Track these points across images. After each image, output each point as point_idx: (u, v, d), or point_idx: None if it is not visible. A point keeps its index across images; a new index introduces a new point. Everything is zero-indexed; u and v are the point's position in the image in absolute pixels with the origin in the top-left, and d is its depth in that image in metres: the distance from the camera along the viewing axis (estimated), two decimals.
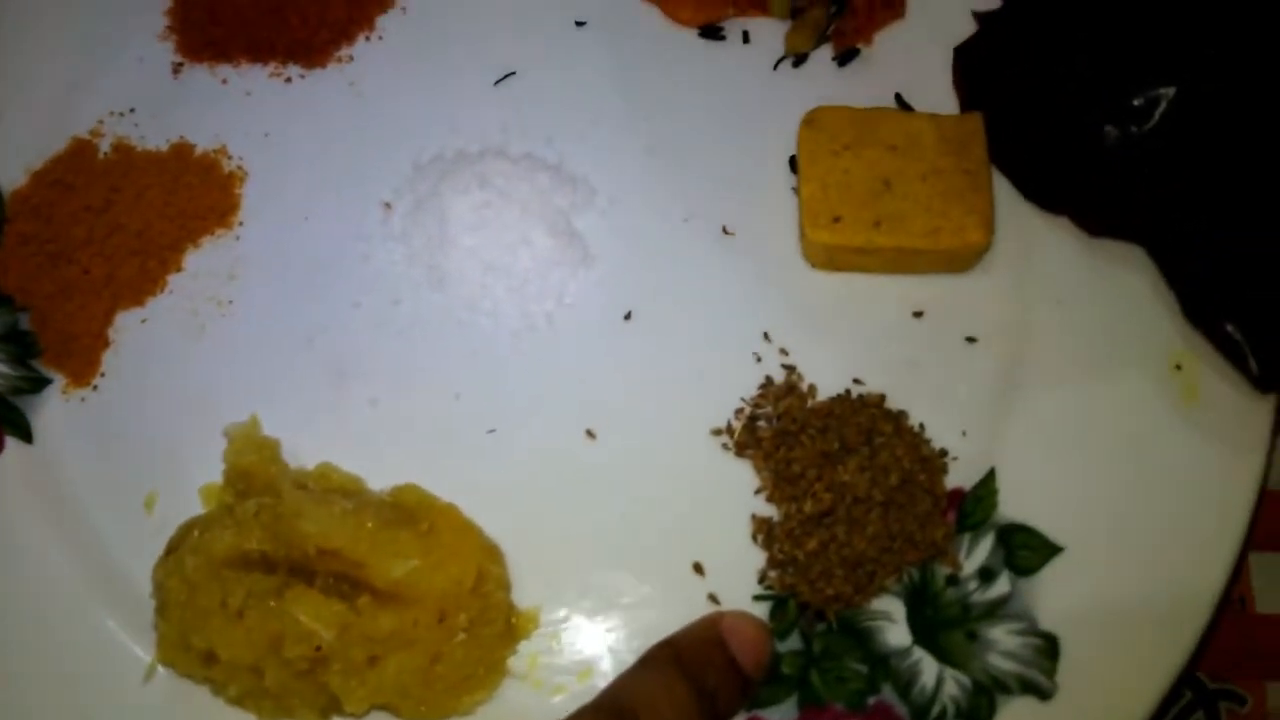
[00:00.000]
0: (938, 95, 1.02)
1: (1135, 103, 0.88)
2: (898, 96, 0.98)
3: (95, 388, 0.94)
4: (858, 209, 0.91)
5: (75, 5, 1.08)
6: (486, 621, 0.83)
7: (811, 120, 0.94)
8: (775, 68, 1.02)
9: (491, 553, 0.86)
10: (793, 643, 0.87)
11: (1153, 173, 0.86)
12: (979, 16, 0.99)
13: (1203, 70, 0.87)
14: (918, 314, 0.93)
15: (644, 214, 0.99)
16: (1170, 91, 0.87)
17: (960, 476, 0.90)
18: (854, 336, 0.95)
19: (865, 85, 1.02)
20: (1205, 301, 0.85)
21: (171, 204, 0.97)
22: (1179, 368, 0.88)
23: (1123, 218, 0.89)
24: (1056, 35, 0.93)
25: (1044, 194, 0.93)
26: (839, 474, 0.86)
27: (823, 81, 1.04)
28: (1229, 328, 0.84)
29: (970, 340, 0.92)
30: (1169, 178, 0.86)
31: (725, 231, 0.96)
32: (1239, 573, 0.90)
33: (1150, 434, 0.89)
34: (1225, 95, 0.86)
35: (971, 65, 0.98)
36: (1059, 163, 0.91)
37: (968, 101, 0.97)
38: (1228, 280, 0.84)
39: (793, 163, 0.96)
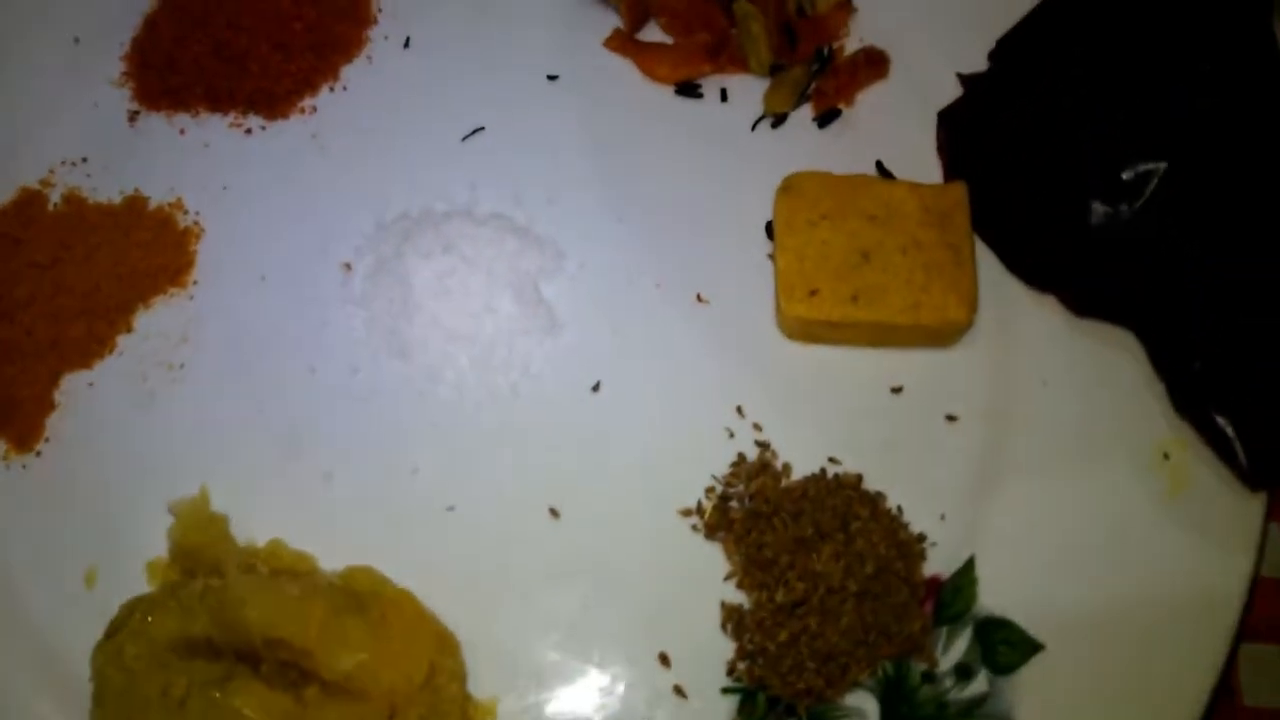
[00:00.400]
0: (921, 160, 0.99)
1: (1125, 177, 0.85)
2: (879, 164, 0.93)
3: (38, 454, 0.90)
4: (835, 282, 0.87)
5: (30, 47, 1.03)
6: (439, 715, 0.80)
7: (789, 187, 0.90)
8: (754, 128, 0.98)
9: (446, 642, 0.83)
10: None
11: (1141, 254, 0.82)
12: (964, 79, 0.94)
13: (1196, 146, 0.82)
14: (896, 390, 0.89)
15: (614, 279, 0.95)
16: (1161, 167, 0.83)
17: (939, 563, 0.87)
18: (830, 412, 0.92)
19: (846, 147, 0.99)
20: (1194, 391, 0.81)
21: (123, 262, 0.93)
22: (1166, 456, 0.85)
23: (1110, 300, 0.85)
24: (1044, 103, 0.90)
25: (1029, 269, 0.89)
26: (813, 562, 0.83)
27: (802, 142, 1.00)
28: (1219, 420, 0.79)
29: (950, 419, 0.89)
30: (1158, 260, 0.82)
31: (699, 299, 0.93)
32: (1228, 664, 0.85)
33: (1136, 526, 0.86)
34: (1218, 174, 0.81)
35: (956, 130, 0.94)
36: (1044, 238, 0.87)
37: (951, 167, 0.93)
38: (1219, 370, 0.80)
39: (769, 229, 0.91)
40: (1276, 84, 0.84)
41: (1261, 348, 0.81)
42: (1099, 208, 0.85)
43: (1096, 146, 0.87)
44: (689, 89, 0.99)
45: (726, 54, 0.98)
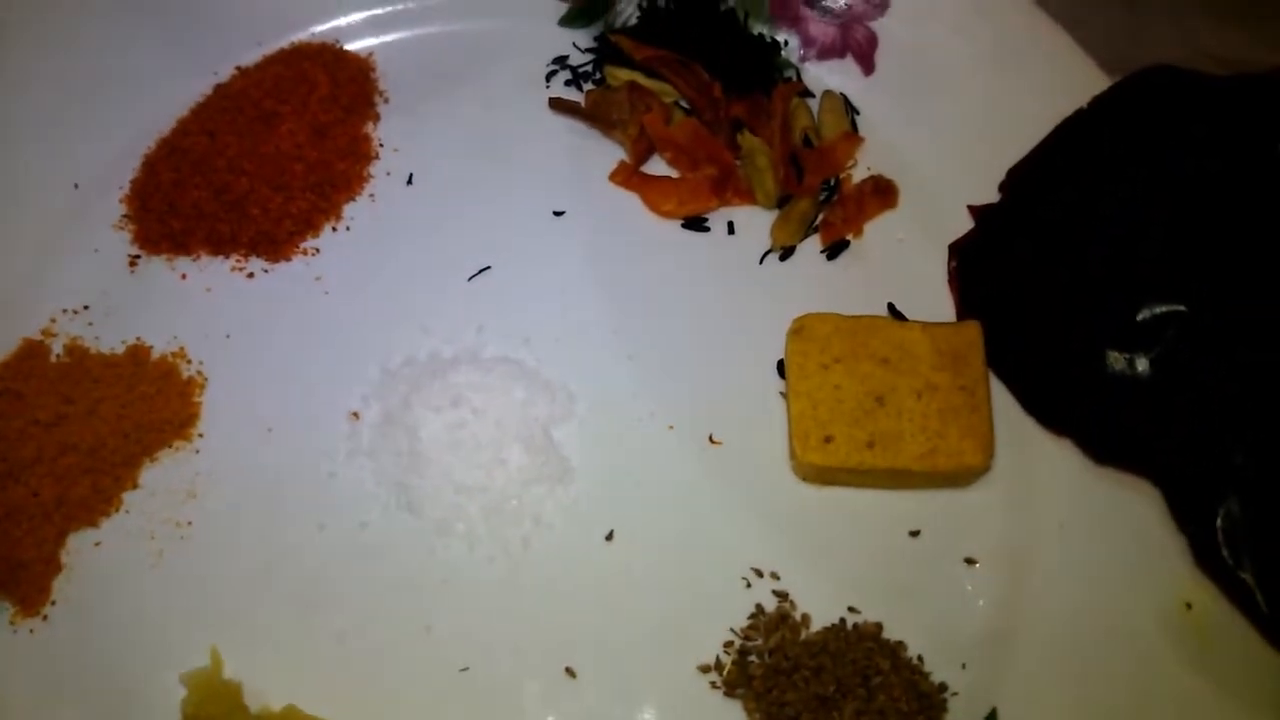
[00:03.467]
0: (932, 291, 0.99)
1: (1140, 318, 0.82)
2: (890, 306, 0.92)
3: (45, 617, 0.87)
4: (850, 428, 0.86)
5: (30, 193, 1.03)
6: None
7: (800, 329, 0.89)
8: (762, 261, 0.96)
9: None
10: None
11: (1159, 405, 0.81)
12: (974, 211, 0.93)
13: (1216, 290, 0.81)
14: (914, 533, 0.88)
15: (626, 421, 0.94)
16: (1178, 310, 0.81)
17: (961, 714, 0.86)
18: (848, 557, 0.91)
19: (856, 279, 0.98)
20: (1216, 545, 0.79)
21: (127, 416, 0.92)
22: (1189, 607, 0.83)
23: (1128, 449, 0.83)
24: (1055, 238, 0.89)
25: (1045, 411, 0.87)
26: None
27: (811, 275, 1.00)
28: (1242, 575, 0.77)
29: (969, 562, 0.87)
30: (1176, 412, 0.80)
31: (711, 441, 0.90)
32: None
33: (1159, 678, 0.85)
34: (1239, 321, 0.80)
35: (967, 264, 0.93)
36: (1058, 381, 0.85)
37: (963, 302, 0.92)
38: (1241, 525, 0.78)
39: (781, 367, 0.89)
40: None
41: None
42: (1115, 355, 0.83)
43: (1110, 286, 0.85)
44: (696, 223, 0.98)
45: (732, 186, 0.97)
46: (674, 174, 1.00)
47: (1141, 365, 0.84)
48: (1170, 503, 0.84)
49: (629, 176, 0.98)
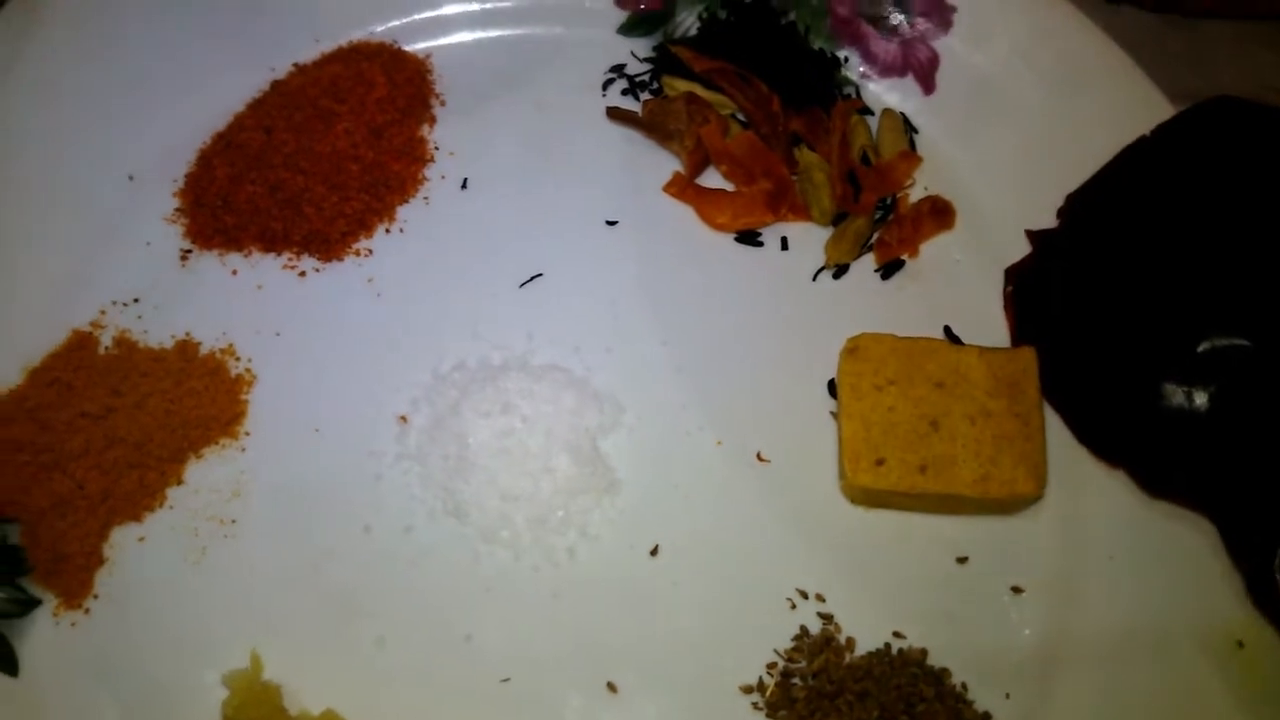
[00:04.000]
0: (987, 315, 0.99)
1: (1201, 351, 0.81)
2: (946, 329, 0.91)
3: (87, 611, 0.87)
4: (903, 451, 0.85)
5: (83, 181, 1.02)
6: None
7: (854, 349, 0.88)
8: (815, 278, 0.95)
9: None
10: None
11: (1217, 440, 0.79)
12: (1032, 236, 0.92)
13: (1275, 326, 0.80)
14: (962, 560, 0.88)
15: (673, 435, 0.94)
16: (1242, 344, 0.80)
17: None
18: (894, 582, 0.90)
19: (910, 299, 0.97)
20: (1273, 583, 0.78)
21: (175, 411, 0.91)
22: (1240, 645, 0.81)
23: (1183, 483, 0.82)
24: (1115, 267, 0.87)
25: (1099, 442, 0.86)
26: None
27: (865, 294, 1.00)
28: None
29: (1016, 591, 0.86)
30: (1235, 446, 0.79)
31: (759, 458, 0.89)
32: None
33: (1206, 717, 0.83)
34: None
35: (1024, 289, 0.92)
36: (1114, 412, 0.84)
37: (1019, 327, 0.92)
38: None
39: (831, 386, 0.88)
40: None
41: None
42: (1173, 387, 0.82)
43: (1170, 318, 0.84)
44: (749, 237, 0.98)
45: (788, 201, 0.96)
46: (729, 187, 0.98)
47: (1200, 399, 0.83)
48: (1226, 538, 0.82)
49: (684, 188, 0.97)
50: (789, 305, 0.97)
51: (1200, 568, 0.85)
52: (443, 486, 0.89)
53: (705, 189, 0.98)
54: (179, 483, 0.92)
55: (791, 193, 0.97)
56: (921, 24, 0.98)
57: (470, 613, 0.88)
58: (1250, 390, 0.82)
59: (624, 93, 1.05)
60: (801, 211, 0.97)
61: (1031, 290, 0.92)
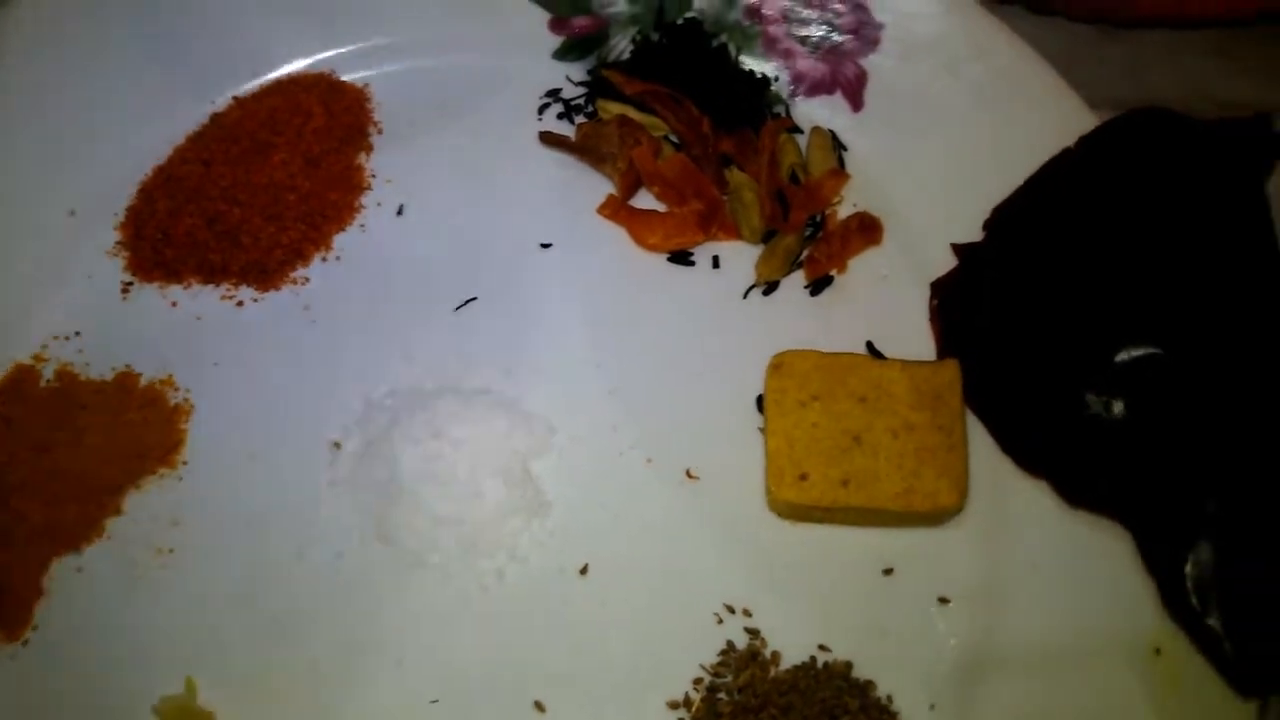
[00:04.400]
0: (915, 330, 0.99)
1: (1119, 361, 0.82)
2: (869, 345, 0.91)
3: (26, 643, 0.87)
4: (825, 466, 0.86)
5: (25, 216, 1.04)
6: None
7: (779, 365, 0.89)
8: (745, 296, 0.96)
9: None
10: None
11: (1134, 450, 0.80)
12: (957, 249, 0.93)
13: (1192, 334, 0.80)
14: (888, 571, 0.89)
15: (604, 456, 0.94)
16: (1156, 353, 0.81)
17: None
18: (821, 595, 0.91)
19: (839, 314, 0.98)
20: (1185, 592, 0.78)
21: (114, 443, 0.93)
22: (1158, 652, 0.82)
23: (1101, 492, 0.83)
24: (1037, 279, 0.88)
25: (1021, 452, 0.86)
26: None
27: (795, 310, 1.00)
28: (1209, 623, 0.76)
29: (942, 601, 0.86)
30: (1150, 456, 0.79)
31: (689, 475, 0.90)
32: None
33: None
34: (1215, 365, 0.79)
35: (948, 302, 0.93)
36: (1035, 423, 0.85)
37: (944, 340, 0.92)
38: (1213, 572, 0.77)
39: (760, 402, 0.89)
40: (1274, 269, 0.82)
41: (1257, 553, 0.78)
42: (1092, 397, 0.83)
43: (1090, 328, 0.85)
44: (681, 257, 0.98)
45: (719, 221, 0.97)
46: (662, 208, 0.99)
47: (1118, 408, 0.83)
48: (1141, 547, 0.83)
49: (617, 209, 0.98)
50: (720, 323, 0.98)
51: (1120, 576, 0.86)
52: (374, 512, 0.90)
53: (638, 210, 0.99)
54: (118, 513, 0.93)
55: (722, 212, 0.97)
56: (849, 42, 0.98)
57: (401, 636, 0.89)
58: (1163, 399, 0.82)
59: (559, 117, 1.06)
60: (732, 230, 0.98)
61: (956, 303, 0.92)
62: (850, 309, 0.98)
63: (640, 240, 0.98)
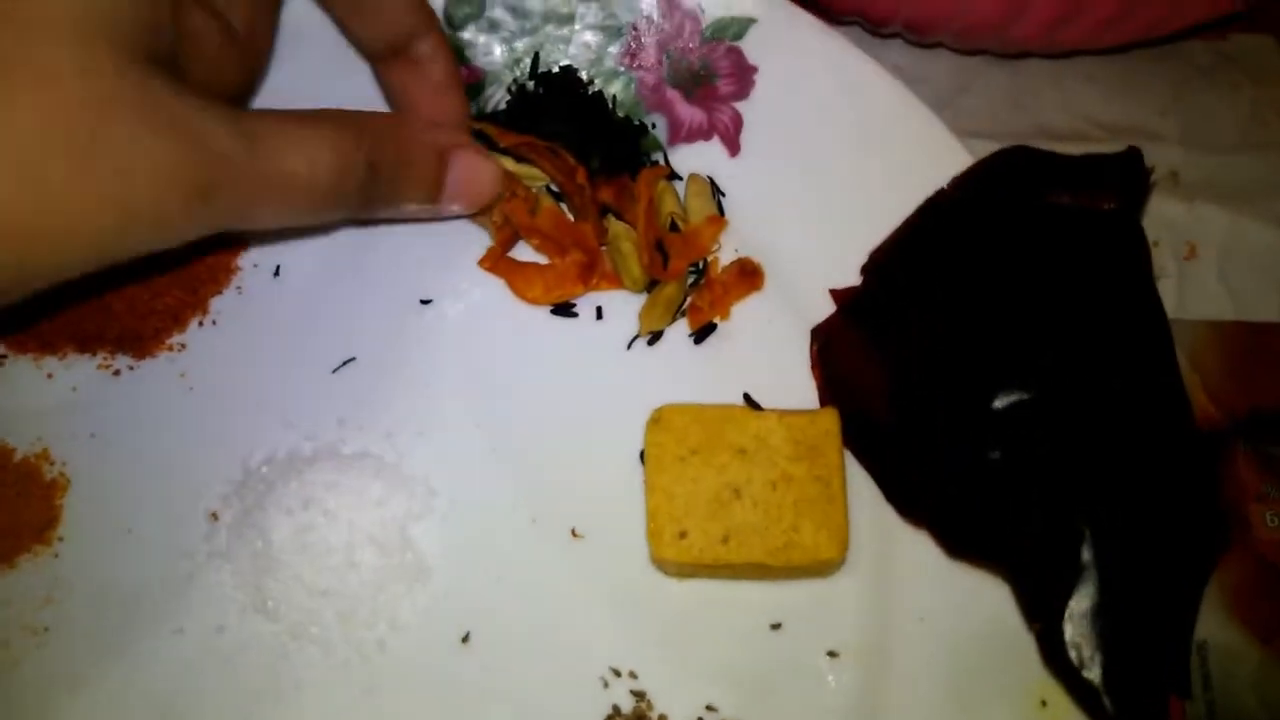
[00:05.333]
0: (798, 376, 1.00)
1: (996, 406, 0.81)
2: (746, 396, 0.90)
3: None
4: (705, 522, 0.85)
5: None
6: None
7: (658, 420, 0.88)
8: (629, 346, 0.94)
9: None
10: None
11: (1008, 497, 0.79)
12: (836, 295, 0.92)
13: (1063, 376, 0.80)
14: (775, 626, 0.88)
15: (487, 517, 0.93)
16: (1032, 398, 0.80)
17: None
18: (709, 653, 0.90)
19: (723, 362, 0.98)
20: (1063, 644, 0.77)
21: None
22: (1044, 704, 0.81)
23: (980, 542, 0.82)
24: (916, 323, 0.87)
25: (902, 502, 0.85)
26: None
27: (679, 359, 1.00)
28: (1089, 676, 0.76)
29: (831, 655, 0.86)
30: (1025, 504, 0.79)
31: (574, 534, 0.89)
32: None
33: None
34: (1090, 412, 0.79)
35: (827, 350, 0.91)
36: (913, 472, 0.84)
37: (825, 386, 0.91)
38: (1090, 624, 0.77)
39: (643, 456, 0.88)
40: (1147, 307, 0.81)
41: (1133, 604, 0.77)
42: (969, 444, 0.82)
43: (966, 373, 0.84)
44: (564, 309, 0.96)
45: (600, 271, 0.96)
46: (543, 259, 0.97)
47: (994, 455, 0.82)
48: (1019, 599, 0.82)
49: (496, 262, 0.96)
50: (604, 375, 0.97)
51: (1005, 628, 0.86)
52: (253, 584, 0.89)
53: (518, 262, 0.98)
54: None
55: (603, 262, 0.96)
56: (724, 87, 0.97)
57: (284, 711, 0.88)
58: (1036, 446, 0.81)
59: None
60: (615, 280, 0.96)
61: (835, 350, 0.91)
62: (734, 357, 0.97)
63: (521, 293, 0.97)
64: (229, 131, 0.70)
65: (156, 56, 0.68)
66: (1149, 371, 0.84)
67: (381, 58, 0.88)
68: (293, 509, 0.88)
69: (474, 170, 0.88)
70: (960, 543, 0.85)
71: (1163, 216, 1.05)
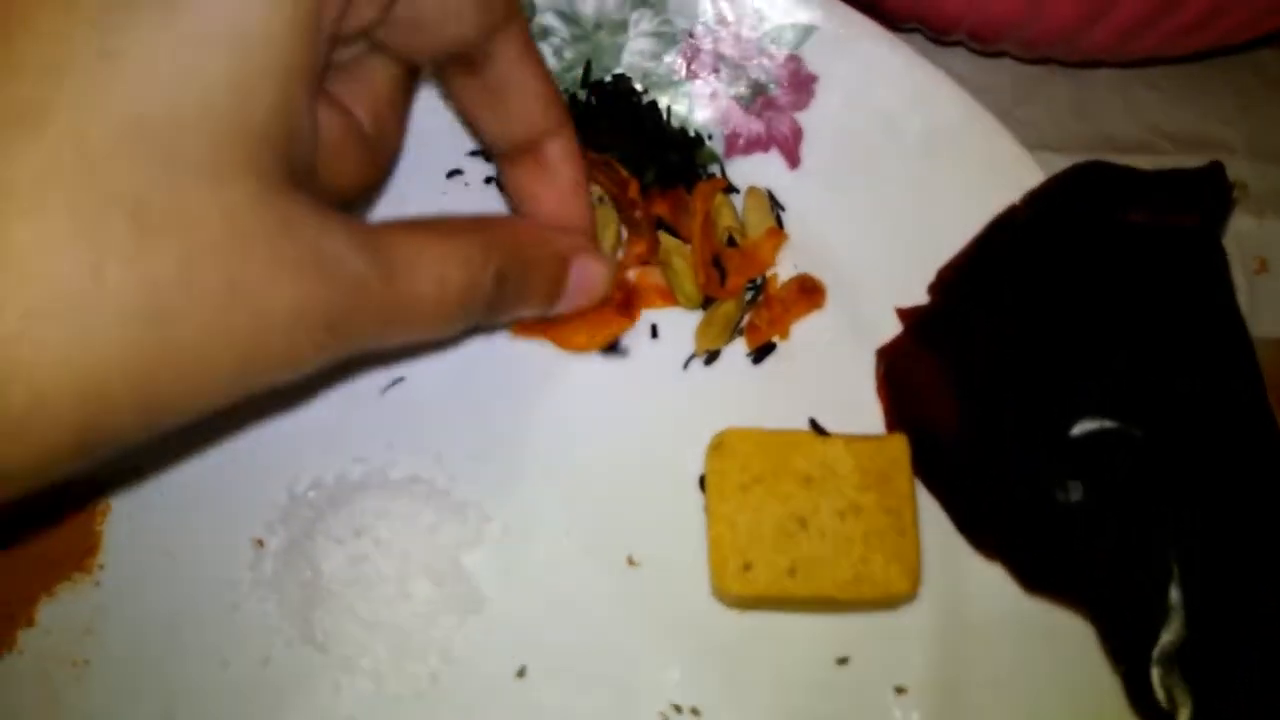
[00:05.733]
0: (862, 398, 0.96)
1: (1075, 435, 0.77)
2: (812, 421, 0.87)
3: None
4: (771, 553, 0.81)
5: None
6: None
7: (719, 445, 0.84)
8: (686, 366, 0.91)
9: None
10: None
11: (1092, 532, 0.76)
12: (903, 314, 0.88)
13: (1155, 406, 0.76)
14: (842, 660, 0.84)
15: (541, 543, 0.91)
16: (1115, 427, 0.76)
17: None
18: (773, 688, 0.88)
19: (783, 384, 0.94)
20: (1150, 686, 0.74)
21: (25, 552, 0.86)
22: None
23: (1059, 578, 0.78)
24: (989, 345, 0.83)
25: (975, 533, 0.81)
26: None
27: (738, 380, 0.97)
28: None
29: (899, 691, 0.82)
30: (1110, 540, 0.75)
31: (630, 563, 0.85)
32: None
33: None
34: (1178, 445, 0.75)
35: (895, 371, 0.88)
36: (988, 501, 0.80)
37: (892, 409, 0.87)
38: (1180, 667, 0.73)
39: (703, 482, 0.84)
40: (1240, 348, 0.77)
41: (1225, 646, 0.73)
42: (1047, 473, 0.78)
43: (1043, 399, 0.80)
44: (615, 349, 0.92)
45: (640, 304, 0.92)
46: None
47: (1074, 485, 0.78)
48: (1103, 639, 0.78)
49: (530, 326, 0.92)
50: (660, 396, 0.93)
51: (1086, 665, 0.82)
52: (301, 615, 0.85)
53: (548, 321, 0.93)
54: (30, 624, 0.89)
55: (654, 280, 0.92)
56: (783, 96, 0.92)
57: None
58: (1121, 478, 0.77)
59: (487, 181, 0.99)
60: (670, 297, 0.93)
61: (903, 372, 0.87)
62: (795, 377, 0.94)
63: (566, 346, 0.93)
64: (363, 258, 0.65)
65: (295, 170, 0.63)
66: (1234, 397, 0.80)
67: (508, 156, 0.83)
68: (344, 538, 0.85)
69: (593, 276, 0.82)
70: (1037, 577, 0.81)
71: (1231, 229, 1.01)
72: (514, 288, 0.77)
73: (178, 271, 0.56)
